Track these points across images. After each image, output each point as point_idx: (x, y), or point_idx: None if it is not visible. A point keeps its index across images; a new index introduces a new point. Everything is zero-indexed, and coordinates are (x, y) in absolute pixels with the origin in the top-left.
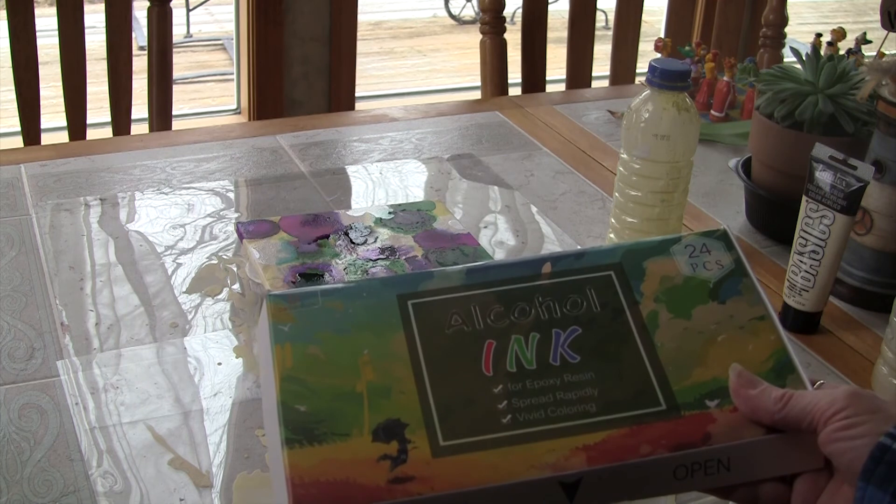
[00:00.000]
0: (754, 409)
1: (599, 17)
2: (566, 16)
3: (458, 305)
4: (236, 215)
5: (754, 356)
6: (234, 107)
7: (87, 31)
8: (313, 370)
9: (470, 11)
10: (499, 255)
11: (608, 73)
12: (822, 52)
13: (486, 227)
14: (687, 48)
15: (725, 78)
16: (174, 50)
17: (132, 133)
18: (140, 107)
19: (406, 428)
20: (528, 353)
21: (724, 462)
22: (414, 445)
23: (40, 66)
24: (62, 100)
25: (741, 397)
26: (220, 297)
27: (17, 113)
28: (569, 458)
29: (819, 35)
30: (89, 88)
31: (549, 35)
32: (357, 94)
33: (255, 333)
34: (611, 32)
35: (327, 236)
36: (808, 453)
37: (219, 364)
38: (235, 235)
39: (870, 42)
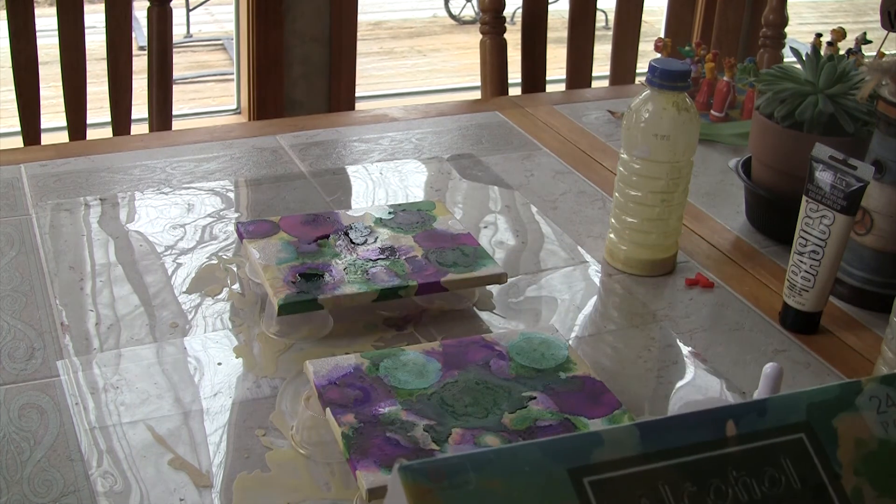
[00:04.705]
0: None
1: (599, 17)
2: (566, 16)
3: (644, 484)
4: (236, 215)
5: None
6: (234, 107)
7: (87, 31)
8: None
9: (470, 11)
10: (499, 255)
11: (608, 73)
12: (822, 52)
13: (486, 227)
14: (687, 48)
15: (725, 78)
16: (174, 50)
17: (132, 133)
18: (140, 107)
19: None
20: None
21: None
22: None
23: (40, 66)
24: (62, 100)
25: None
26: (220, 297)
27: (17, 113)
28: None
29: (819, 35)
30: (89, 88)
31: (549, 35)
32: (357, 94)
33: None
34: (611, 32)
35: (327, 236)
36: None
37: (219, 364)
38: (235, 235)
39: (870, 42)
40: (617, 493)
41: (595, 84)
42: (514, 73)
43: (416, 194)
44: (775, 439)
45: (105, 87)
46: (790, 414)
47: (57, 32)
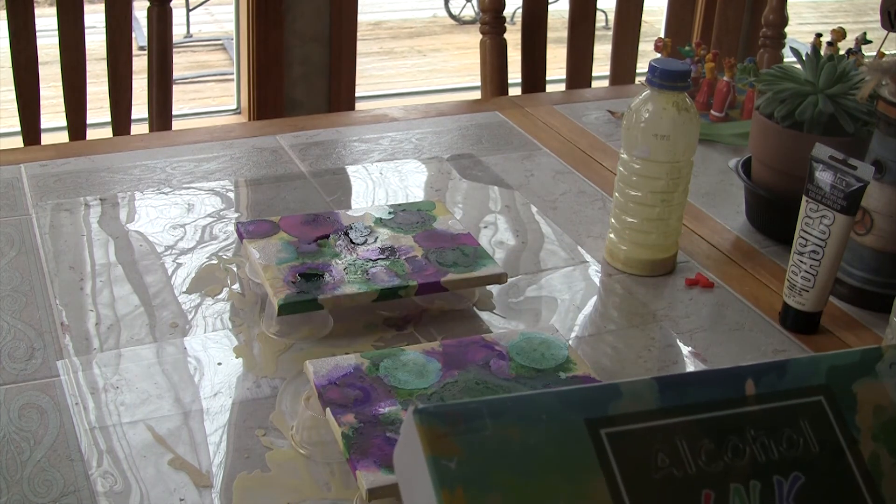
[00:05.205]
0: None
1: (599, 17)
2: (566, 16)
3: (662, 439)
4: (236, 215)
5: None
6: (234, 107)
7: (87, 31)
8: None
9: (470, 11)
10: (499, 256)
11: (608, 73)
12: (822, 52)
13: (486, 227)
14: (687, 48)
15: (725, 78)
16: (174, 50)
17: (132, 133)
18: (140, 107)
19: None
20: None
21: None
22: None
23: (40, 66)
24: (62, 100)
25: None
26: (220, 297)
27: (17, 113)
28: None
29: (819, 35)
30: (89, 88)
31: (549, 35)
32: (357, 94)
33: (396, 457)
34: (611, 32)
35: (327, 236)
36: None
37: (219, 364)
38: (235, 235)
39: (870, 42)
40: (634, 446)
41: (595, 84)
42: (514, 73)
43: (416, 194)
44: (794, 401)
45: (105, 87)
46: (810, 376)
47: (57, 32)
